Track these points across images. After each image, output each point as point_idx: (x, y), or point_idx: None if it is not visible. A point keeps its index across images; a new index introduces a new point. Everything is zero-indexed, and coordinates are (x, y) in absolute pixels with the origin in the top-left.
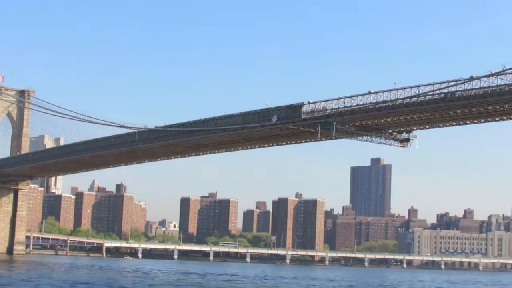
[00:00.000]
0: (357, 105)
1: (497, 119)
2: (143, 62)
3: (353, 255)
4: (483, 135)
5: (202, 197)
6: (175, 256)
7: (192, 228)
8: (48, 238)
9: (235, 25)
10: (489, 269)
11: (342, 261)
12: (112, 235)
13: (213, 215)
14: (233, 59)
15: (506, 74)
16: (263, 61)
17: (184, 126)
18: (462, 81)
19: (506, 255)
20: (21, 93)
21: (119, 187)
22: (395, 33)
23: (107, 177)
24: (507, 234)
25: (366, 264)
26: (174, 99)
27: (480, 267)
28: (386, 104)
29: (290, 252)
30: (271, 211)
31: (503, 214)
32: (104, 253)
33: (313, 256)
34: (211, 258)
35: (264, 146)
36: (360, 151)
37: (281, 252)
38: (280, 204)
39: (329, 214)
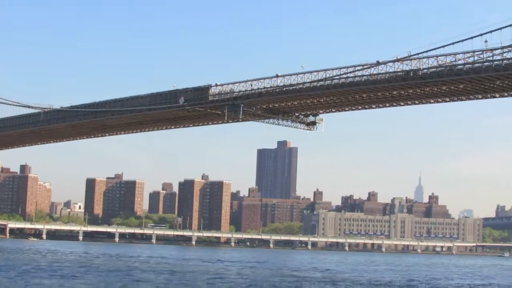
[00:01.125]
0: (264, 88)
1: (401, 104)
2: (48, 42)
3: (258, 237)
4: (387, 119)
5: (108, 178)
6: (80, 238)
7: (98, 209)
8: None
9: (140, 6)
10: (392, 250)
11: (247, 243)
12: (16, 216)
13: (118, 196)
14: (140, 40)
15: (411, 59)
16: (171, 42)
17: (91, 107)
18: (369, 65)
19: (409, 237)
20: None
21: (23, 167)
22: (304, 18)
23: (11, 157)
24: (409, 216)
25: (271, 245)
26: (80, 79)
27: (383, 249)
28: (293, 87)
29: (196, 234)
30: (177, 192)
31: (406, 197)
32: (8, 234)
33: (219, 238)
34: (117, 239)
35: (171, 128)
36: (266, 133)
37: (187, 233)
38: (186, 186)
39: (235, 196)
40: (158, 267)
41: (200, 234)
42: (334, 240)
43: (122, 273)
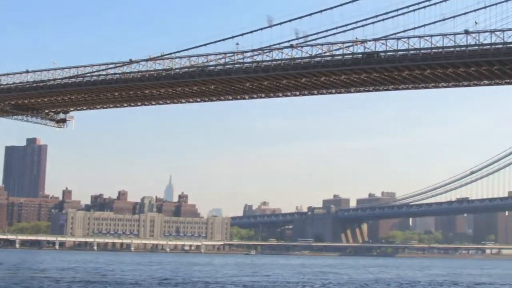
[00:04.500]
0: (13, 83)
1: (153, 103)
2: None
3: (4, 237)
4: (140, 117)
5: None
6: None
7: None
8: None
9: None
10: (141, 250)
11: None
12: None
13: None
14: None
15: (164, 59)
16: None
17: None
18: (121, 64)
19: (158, 236)
20: None
21: None
22: (57, 14)
23: None
24: (159, 215)
25: (17, 245)
26: None
27: (132, 248)
28: (44, 83)
29: None
30: None
31: (156, 196)
32: None
33: None
34: None
35: None
36: (15, 130)
37: None
38: None
39: None
40: None
41: None
42: (83, 239)
43: None
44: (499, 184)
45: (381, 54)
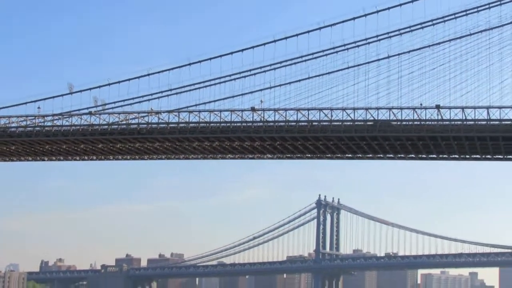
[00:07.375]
0: None
1: None
2: None
3: None
4: None
5: None
6: None
7: None
8: None
9: None
10: None
11: None
12: None
13: None
14: None
15: None
16: None
17: None
18: None
19: None
20: None
21: None
22: None
23: None
24: None
25: None
26: None
27: None
28: None
29: None
30: None
31: None
32: None
33: None
34: None
35: None
36: None
37: None
38: None
39: None
40: None
41: None
42: None
43: None
44: (278, 249)
45: (174, 125)
